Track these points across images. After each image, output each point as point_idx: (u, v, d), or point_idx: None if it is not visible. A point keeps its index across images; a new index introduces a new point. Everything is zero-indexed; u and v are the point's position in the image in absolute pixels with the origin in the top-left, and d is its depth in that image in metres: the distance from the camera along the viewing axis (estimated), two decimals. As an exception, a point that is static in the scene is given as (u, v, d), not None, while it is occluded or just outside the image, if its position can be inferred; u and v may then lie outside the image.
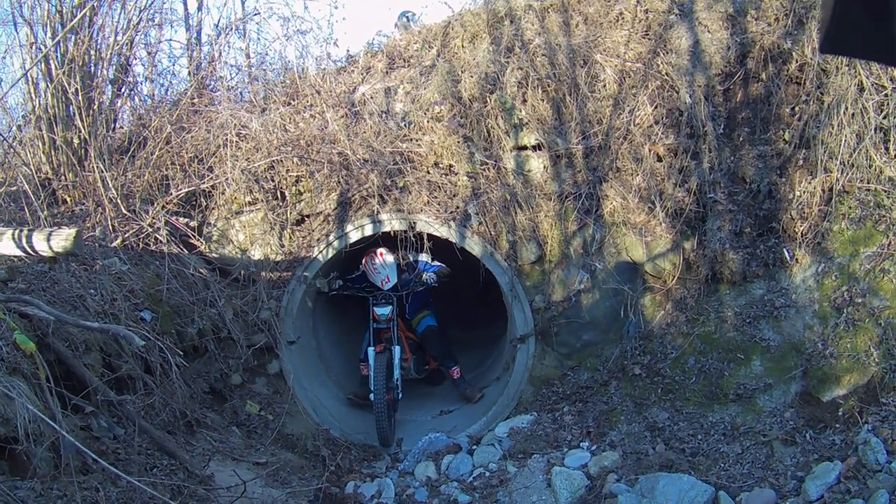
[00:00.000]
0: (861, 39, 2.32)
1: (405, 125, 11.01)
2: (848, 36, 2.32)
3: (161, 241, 10.06)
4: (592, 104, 10.61)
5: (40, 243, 7.75)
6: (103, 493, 6.22)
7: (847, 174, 8.97)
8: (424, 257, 11.65)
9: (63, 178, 10.31)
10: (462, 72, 10.98)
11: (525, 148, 10.83)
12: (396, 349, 11.64)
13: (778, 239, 9.53)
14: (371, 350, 11.42)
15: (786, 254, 9.35)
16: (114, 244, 9.72)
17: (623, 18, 11.09)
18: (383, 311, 11.61)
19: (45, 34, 10.26)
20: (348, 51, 13.43)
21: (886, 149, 8.91)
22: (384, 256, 11.59)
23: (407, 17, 13.13)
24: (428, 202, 10.64)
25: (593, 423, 9.80)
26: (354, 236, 10.78)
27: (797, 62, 9.66)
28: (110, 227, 9.92)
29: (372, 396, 10.81)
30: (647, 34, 10.78)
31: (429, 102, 10.95)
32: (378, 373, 10.87)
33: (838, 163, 8.99)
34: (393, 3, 26.10)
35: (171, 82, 12.87)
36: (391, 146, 10.78)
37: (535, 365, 10.87)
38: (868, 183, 8.91)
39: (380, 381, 10.79)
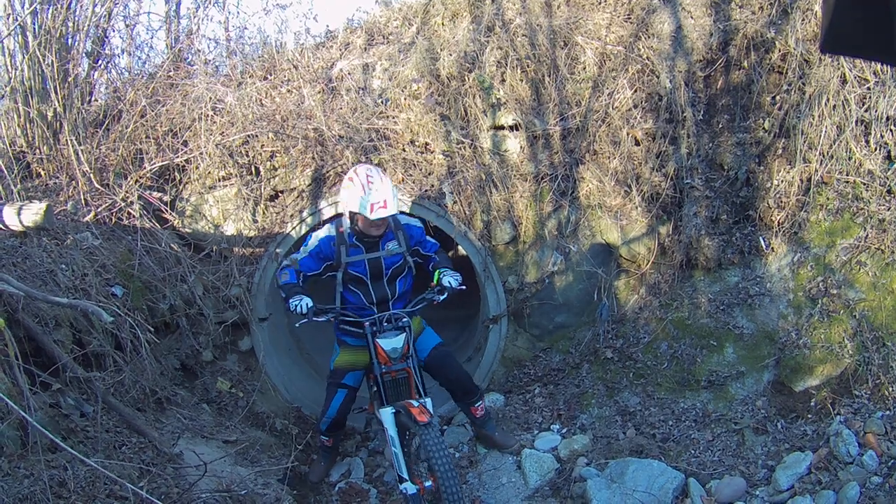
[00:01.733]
0: (861, 39, 2.33)
1: (382, 102, 10.77)
2: (848, 35, 2.35)
3: (134, 216, 9.79)
4: (571, 86, 10.40)
5: (11, 217, 7.59)
6: (71, 471, 6.01)
7: (826, 165, 8.83)
8: (413, 222, 8.63)
9: (38, 151, 10.01)
10: (441, 50, 10.72)
11: (502, 128, 10.61)
12: (428, 402, 7.74)
13: (754, 227, 9.39)
14: (387, 414, 7.73)
15: (762, 242, 9.22)
16: (86, 218, 9.46)
17: (605, 1, 10.84)
18: (394, 343, 7.72)
19: (23, 5, 9.96)
20: (328, 26, 13.21)
21: (867, 141, 8.76)
22: (376, 174, 7.85)
23: (388, -7, 12.92)
24: (403, 180, 10.42)
25: (564, 406, 9.71)
26: (328, 213, 10.48)
27: (780, 51, 9.47)
28: (83, 201, 9.65)
29: (404, 488, 7.44)
30: (630, 18, 10.53)
31: (407, 80, 10.70)
32: (406, 450, 7.85)
33: (818, 153, 8.84)
34: (374, -21, 25.77)
35: (148, 55, 12.62)
36: (367, 123, 10.52)
37: (507, 346, 10.71)
38: (847, 175, 8.76)
39: (409, 462, 7.78)
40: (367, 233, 8.03)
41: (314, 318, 7.84)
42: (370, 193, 7.61)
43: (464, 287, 8.12)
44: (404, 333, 7.88)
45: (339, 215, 8.78)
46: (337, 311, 8.20)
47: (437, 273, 8.31)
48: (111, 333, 8.16)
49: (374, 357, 7.89)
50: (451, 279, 8.08)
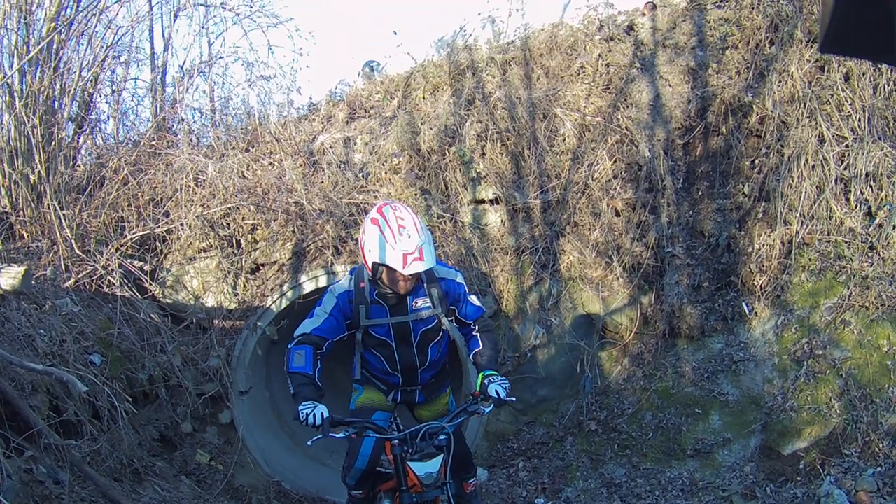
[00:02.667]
0: (861, 39, 2.29)
1: (363, 176, 10.74)
2: (848, 36, 2.29)
3: (114, 284, 9.65)
4: (551, 158, 10.39)
5: (-11, 280, 7.42)
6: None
7: (807, 226, 8.80)
8: (450, 274, 6.54)
9: (21, 213, 9.92)
10: (422, 123, 10.74)
11: (483, 201, 10.58)
12: None
13: (737, 292, 9.30)
14: None
15: (745, 307, 9.14)
16: (66, 284, 9.31)
17: (584, 72, 10.90)
18: (429, 467, 5.72)
19: (12, 65, 9.96)
20: (311, 98, 13.26)
21: (847, 199, 8.76)
22: (408, 215, 5.99)
23: (371, 67, 13.00)
24: (382, 255, 10.30)
25: (549, 480, 9.50)
26: (308, 287, 10.37)
27: (758, 115, 9.52)
28: (63, 267, 9.50)
29: None
30: (608, 88, 10.60)
31: (387, 154, 10.70)
32: None
33: (798, 215, 8.82)
34: (357, 53, 26.20)
35: (133, 122, 12.62)
36: (348, 197, 10.46)
37: (490, 420, 10.48)
38: (828, 234, 8.73)
39: None
40: (393, 289, 6.09)
41: (330, 434, 5.62)
42: (401, 240, 5.79)
43: (513, 399, 6.06)
44: (441, 455, 5.74)
45: (355, 266, 7.01)
46: (360, 425, 5.93)
47: (480, 377, 6.22)
48: (88, 402, 7.95)
49: (401, 481, 5.82)
50: (498, 387, 5.95)
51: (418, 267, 5.75)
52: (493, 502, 9.36)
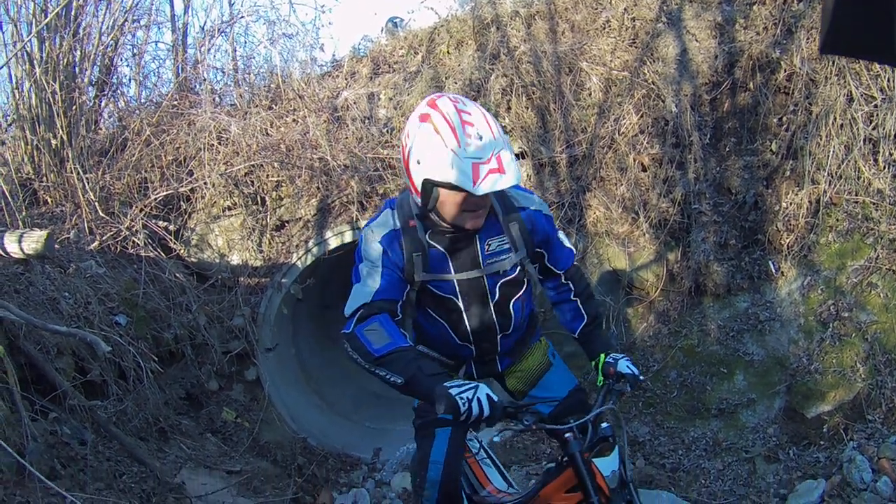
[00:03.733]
0: (861, 39, 2.26)
1: (387, 131, 10.59)
2: (848, 36, 2.26)
3: (139, 245, 9.64)
4: (577, 112, 10.18)
5: (11, 245, 7.43)
6: (70, 499, 5.78)
7: (835, 186, 8.56)
8: (533, 202, 4.61)
9: (44, 179, 9.95)
10: (446, 78, 10.56)
11: (508, 156, 10.34)
12: None
13: (763, 251, 9.10)
14: None
15: (771, 266, 8.94)
16: (91, 247, 9.30)
17: (610, 26, 10.64)
18: (612, 464, 4.03)
19: (31, 33, 9.90)
20: (334, 55, 13.18)
21: (875, 160, 8.49)
22: (476, 110, 4.11)
23: (394, 23, 12.85)
24: (409, 210, 10.18)
25: (573, 438, 9.39)
26: (333, 243, 10.32)
27: (785, 71, 9.24)
28: (87, 230, 9.50)
29: None
30: (634, 42, 10.34)
31: (412, 108, 10.48)
32: None
33: (826, 174, 8.57)
34: (380, 9, 25.71)
35: (155, 84, 12.57)
36: (372, 152, 10.34)
37: (514, 376, 10.40)
38: (856, 195, 8.48)
39: None
40: (457, 225, 4.19)
41: (512, 426, 3.84)
42: (469, 143, 3.80)
43: (641, 378, 4.48)
44: (616, 447, 4.06)
45: (391, 198, 4.63)
46: (536, 419, 3.90)
47: (601, 357, 4.65)
48: (114, 362, 7.96)
49: (587, 487, 3.86)
50: (628, 364, 4.47)
51: (497, 183, 3.78)
52: (517, 458, 9.31)
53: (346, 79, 11.58)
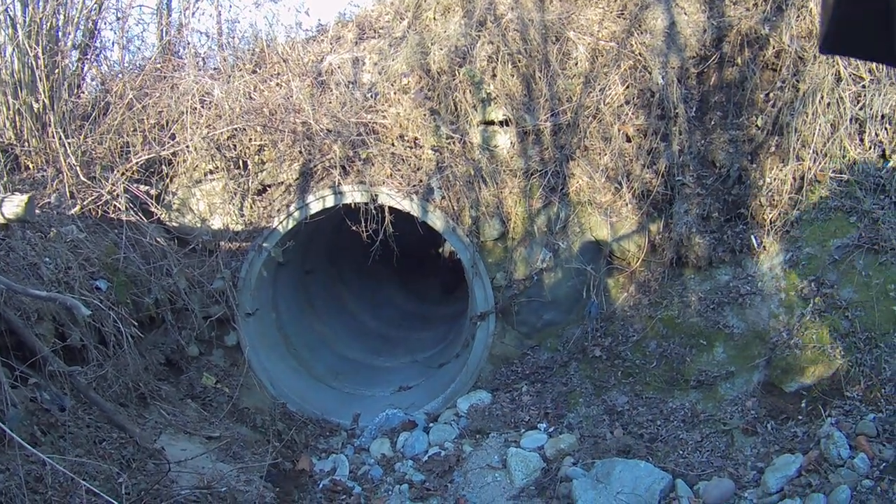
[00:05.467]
0: (861, 39, 2.31)
1: (371, 96, 10.54)
2: (848, 36, 2.31)
3: (120, 209, 9.58)
4: (563, 81, 10.15)
5: (-9, 209, 7.33)
6: (49, 466, 5.79)
7: (820, 163, 8.61)
8: None
9: (26, 144, 9.84)
10: (432, 44, 10.48)
11: (492, 123, 10.36)
12: None
13: (746, 225, 9.14)
14: None
15: (753, 240, 8.99)
16: (72, 211, 9.23)
17: (598, -4, 10.61)
18: None
19: (15, -1, 9.81)
20: (319, 20, 13.04)
21: (861, 140, 8.55)
22: None
23: (381, -12, 12.75)
24: (391, 175, 10.20)
25: (551, 405, 9.50)
26: (315, 207, 10.30)
27: (774, 48, 9.23)
28: (68, 194, 9.42)
29: None
30: (623, 13, 10.30)
31: (397, 74, 10.47)
32: None
33: (811, 151, 8.62)
34: (367, -27, 25.42)
35: (138, 48, 12.47)
36: (356, 117, 10.29)
37: (495, 343, 10.46)
38: (841, 173, 8.53)
39: None
40: None
41: None
42: None
43: None
44: None
45: None
46: None
47: None
48: (94, 327, 7.93)
49: None
50: None
51: None
52: (495, 425, 9.38)
53: (331, 43, 11.47)
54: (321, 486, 8.87)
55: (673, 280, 9.57)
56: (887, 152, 8.42)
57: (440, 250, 16.92)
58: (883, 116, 8.41)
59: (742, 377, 8.51)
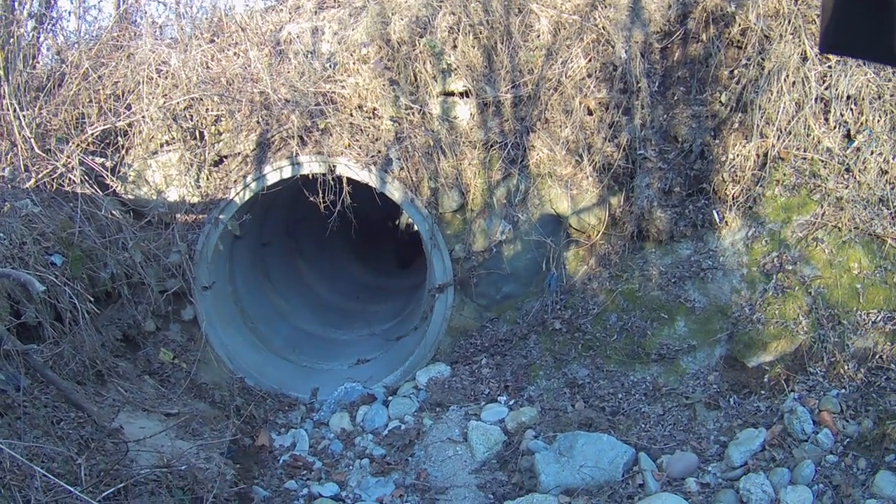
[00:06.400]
0: (861, 39, 2.32)
1: (331, 66, 10.39)
2: (848, 36, 2.32)
3: (75, 182, 9.41)
4: (524, 53, 10.10)
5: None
6: (7, 451, 5.71)
7: (784, 141, 8.64)
8: None
9: (-21, 116, 9.61)
10: (392, 14, 10.35)
11: (452, 94, 10.29)
12: None
13: (708, 200, 9.16)
14: None
15: (715, 215, 9.03)
16: (26, 185, 9.06)
17: (563, -31, 10.55)
18: None
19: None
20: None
21: (826, 119, 8.59)
22: None
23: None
24: (349, 145, 10.11)
25: (511, 377, 9.53)
26: (273, 178, 10.21)
27: (740, 26, 9.21)
28: (22, 168, 9.24)
29: None
30: (587, -14, 10.29)
31: (356, 44, 10.33)
32: None
33: (775, 129, 8.64)
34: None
35: (95, 17, 12.24)
36: (314, 87, 10.16)
37: (454, 315, 10.44)
38: (805, 151, 8.58)
39: None
40: None
41: None
42: None
43: None
44: None
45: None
46: None
47: None
48: (50, 304, 7.80)
49: None
50: None
51: None
52: (455, 398, 9.41)
53: (290, 13, 11.27)
54: (281, 461, 8.84)
55: (634, 253, 9.60)
56: (852, 133, 8.49)
57: (397, 222, 16.89)
58: (849, 97, 8.46)
59: (704, 351, 8.58)
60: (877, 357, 7.26)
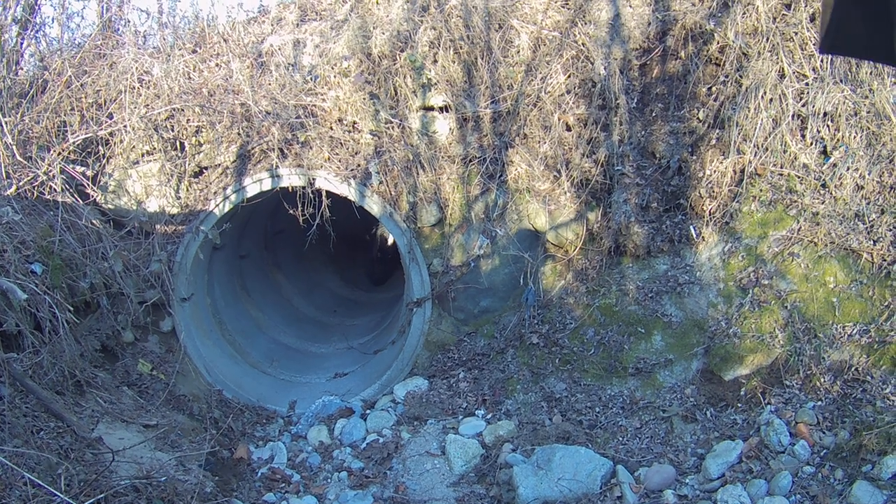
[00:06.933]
0: (861, 40, 2.33)
1: (311, 79, 10.43)
2: (848, 36, 2.33)
3: (56, 191, 9.40)
4: (504, 69, 10.17)
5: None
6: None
7: (760, 157, 8.72)
8: None
9: (-39, 123, 9.58)
10: (374, 28, 10.40)
11: (432, 109, 10.35)
12: None
13: (685, 216, 9.23)
14: None
15: (692, 231, 9.10)
16: (7, 192, 9.04)
17: (543, -15, 10.64)
18: None
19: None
20: (261, 1, 12.87)
21: (803, 136, 8.67)
22: None
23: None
24: (329, 158, 10.14)
25: (489, 391, 9.55)
26: (252, 190, 10.22)
27: (718, 44, 9.30)
28: (3, 175, 9.21)
29: None
30: (567, 3, 10.29)
31: (337, 57, 10.38)
32: None
33: (752, 145, 8.72)
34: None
35: (78, 25, 12.25)
36: (295, 99, 10.19)
37: (432, 329, 10.47)
38: (781, 168, 8.65)
39: None
40: None
41: None
42: None
43: None
44: None
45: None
46: None
47: None
48: (29, 313, 7.77)
49: None
50: None
51: None
52: (433, 412, 9.43)
53: (272, 25, 11.31)
54: (259, 474, 8.83)
55: (611, 268, 9.65)
56: (828, 149, 8.58)
57: (374, 234, 16.92)
58: (825, 114, 8.55)
59: (680, 365, 8.63)
60: (852, 369, 7.32)
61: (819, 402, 7.30)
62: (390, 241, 11.81)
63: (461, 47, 10.20)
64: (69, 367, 8.05)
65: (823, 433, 7.02)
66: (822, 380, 7.41)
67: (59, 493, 5.59)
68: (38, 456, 6.20)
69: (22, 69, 10.97)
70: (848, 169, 8.35)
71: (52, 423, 7.00)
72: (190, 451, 8.14)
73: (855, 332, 7.59)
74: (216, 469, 8.38)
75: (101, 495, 6.16)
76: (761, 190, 8.73)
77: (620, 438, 8.17)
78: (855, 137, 8.46)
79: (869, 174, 8.27)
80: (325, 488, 8.50)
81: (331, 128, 10.29)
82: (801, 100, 8.75)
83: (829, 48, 2.45)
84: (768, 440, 7.12)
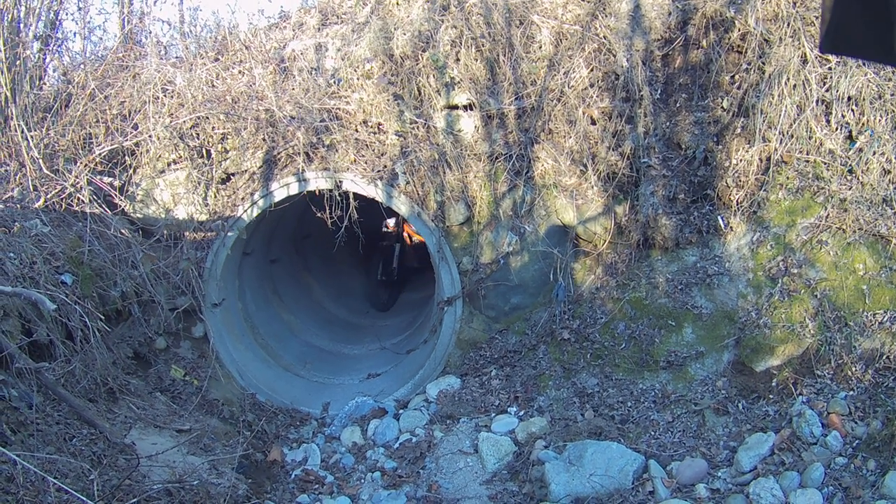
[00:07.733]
0: (861, 39, 2.30)
1: (335, 82, 10.44)
2: (848, 36, 2.31)
3: (84, 202, 9.45)
4: (527, 65, 10.12)
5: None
6: (20, 466, 5.73)
7: (786, 144, 8.62)
8: None
9: (-12, 138, 9.68)
10: (395, 29, 10.39)
11: (456, 107, 10.30)
12: None
13: (712, 206, 9.13)
14: None
15: (720, 221, 9.00)
16: (35, 205, 9.09)
17: (562, -21, 10.57)
18: None
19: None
20: (281, 7, 12.96)
21: (828, 121, 8.56)
22: None
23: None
24: (355, 161, 10.13)
25: (521, 388, 9.49)
26: (280, 195, 10.23)
27: (739, 31, 9.20)
28: (31, 188, 9.28)
29: None
30: (587, -4, 10.31)
31: (360, 59, 10.37)
32: None
33: (777, 133, 8.62)
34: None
35: (100, 38, 12.34)
36: (319, 103, 10.19)
37: (463, 328, 10.42)
38: (807, 154, 8.55)
39: None
40: None
41: None
42: None
43: None
44: None
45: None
46: None
47: None
48: (61, 322, 7.82)
49: None
50: None
51: None
52: (465, 410, 9.39)
53: (293, 30, 11.34)
54: (293, 476, 8.83)
55: (640, 262, 9.57)
56: (854, 133, 8.45)
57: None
58: (849, 98, 8.44)
59: (711, 357, 8.54)
60: (884, 357, 7.20)
61: (851, 392, 7.19)
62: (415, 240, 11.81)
63: (483, 45, 10.16)
64: (101, 374, 8.08)
65: (855, 423, 6.92)
66: (854, 369, 7.29)
67: (87, 500, 5.59)
68: (70, 463, 6.20)
69: (46, 84, 11.07)
70: (874, 153, 8.23)
71: (84, 429, 7.03)
72: (223, 454, 8.16)
73: (886, 319, 7.48)
74: (250, 472, 8.41)
75: (134, 500, 6.18)
76: (788, 177, 8.62)
77: (652, 433, 8.08)
78: (880, 121, 8.34)
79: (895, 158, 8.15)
80: (358, 489, 8.48)
81: (356, 130, 10.27)
82: (824, 84, 8.63)
83: (830, 48, 2.40)
84: (800, 431, 7.01)
